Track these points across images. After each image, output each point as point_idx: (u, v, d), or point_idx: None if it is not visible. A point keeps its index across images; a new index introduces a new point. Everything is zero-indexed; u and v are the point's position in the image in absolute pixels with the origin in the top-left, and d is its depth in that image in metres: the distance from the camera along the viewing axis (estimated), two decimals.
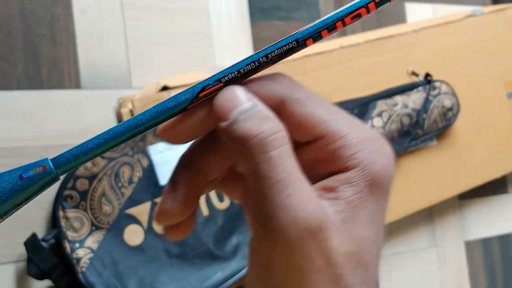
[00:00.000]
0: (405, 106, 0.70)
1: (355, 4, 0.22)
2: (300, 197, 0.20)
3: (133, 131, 0.21)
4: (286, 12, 0.76)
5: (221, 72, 0.22)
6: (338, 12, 0.22)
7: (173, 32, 0.68)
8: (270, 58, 0.22)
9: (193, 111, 0.22)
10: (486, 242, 0.85)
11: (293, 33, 0.22)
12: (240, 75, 0.22)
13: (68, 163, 0.21)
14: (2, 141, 0.58)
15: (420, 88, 0.71)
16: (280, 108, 0.22)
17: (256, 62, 0.22)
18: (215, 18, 0.71)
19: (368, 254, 0.22)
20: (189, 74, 0.65)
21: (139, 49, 0.66)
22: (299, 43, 0.22)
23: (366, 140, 0.22)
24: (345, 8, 0.22)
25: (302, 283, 0.20)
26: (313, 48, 0.71)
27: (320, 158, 0.23)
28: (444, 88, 0.72)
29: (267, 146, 0.20)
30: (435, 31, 0.74)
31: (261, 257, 0.21)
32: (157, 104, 0.22)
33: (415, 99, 0.70)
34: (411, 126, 0.69)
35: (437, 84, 0.72)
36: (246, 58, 0.22)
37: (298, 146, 0.23)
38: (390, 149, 0.23)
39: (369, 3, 0.22)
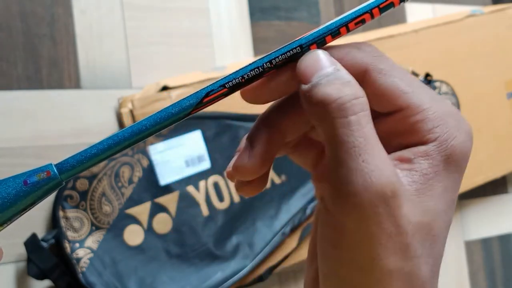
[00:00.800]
0: None
1: (359, 9, 0.22)
2: (376, 163, 0.20)
3: (137, 137, 0.22)
4: (286, 12, 0.76)
5: (225, 77, 0.22)
6: (342, 18, 0.22)
7: (173, 32, 0.68)
8: (274, 64, 0.22)
9: (277, 74, 0.23)
10: (486, 242, 0.85)
11: (297, 39, 0.22)
12: (244, 80, 0.22)
13: (72, 169, 0.21)
14: (2, 141, 0.58)
15: None
16: (363, 77, 0.23)
17: (260, 68, 0.22)
18: (215, 18, 0.71)
19: (437, 228, 0.22)
20: (189, 74, 0.65)
21: (139, 49, 0.66)
22: (303, 49, 0.22)
23: (446, 115, 0.23)
24: (349, 14, 0.22)
25: (372, 248, 0.21)
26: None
27: (398, 130, 0.23)
28: (444, 88, 0.72)
29: (346, 110, 0.20)
30: (435, 31, 0.74)
31: (333, 220, 0.21)
32: (161, 110, 0.22)
33: None
34: None
35: (437, 84, 0.72)
36: (250, 64, 0.22)
37: (377, 116, 0.23)
38: (469, 126, 0.23)
39: (373, 8, 0.22)
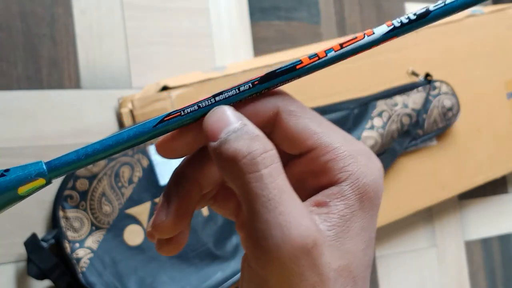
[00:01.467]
0: (405, 106, 0.70)
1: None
2: (293, 214, 0.20)
3: (115, 149, 0.22)
4: (286, 12, 0.76)
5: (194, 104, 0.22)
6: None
7: (173, 32, 0.68)
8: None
9: (186, 128, 0.23)
10: (486, 242, 0.85)
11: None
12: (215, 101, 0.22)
13: (61, 168, 0.22)
14: (2, 141, 0.58)
15: (420, 88, 0.71)
16: (274, 120, 0.23)
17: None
18: (215, 18, 0.71)
19: (358, 268, 0.22)
20: (189, 74, 0.65)
21: (139, 49, 0.66)
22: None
23: (356, 154, 0.23)
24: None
25: None
26: (313, 48, 0.71)
27: (312, 171, 0.23)
28: (444, 88, 0.72)
29: (257, 165, 0.20)
30: (435, 31, 0.74)
31: (255, 275, 0.21)
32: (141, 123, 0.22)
33: (415, 99, 0.70)
34: (411, 126, 0.69)
35: (437, 84, 0.72)
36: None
37: (291, 159, 0.23)
38: (379, 164, 0.23)
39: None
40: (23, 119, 0.60)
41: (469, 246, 0.84)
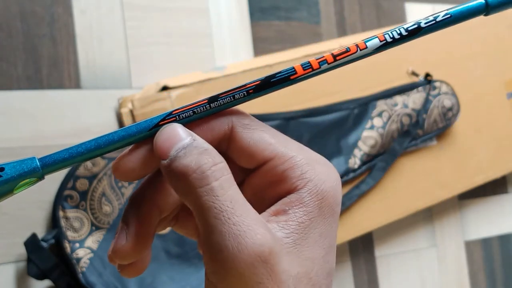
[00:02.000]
0: (405, 106, 0.70)
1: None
2: (247, 224, 0.20)
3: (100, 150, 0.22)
4: (286, 12, 0.76)
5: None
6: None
7: (173, 32, 0.68)
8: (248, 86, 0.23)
9: (136, 148, 0.23)
10: (486, 242, 0.85)
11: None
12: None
13: (55, 165, 0.22)
14: (2, 141, 0.58)
15: (420, 88, 0.71)
16: (229, 135, 0.23)
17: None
18: (215, 18, 0.71)
19: (318, 275, 0.22)
20: (189, 74, 0.65)
21: (139, 49, 0.66)
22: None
23: (313, 162, 0.23)
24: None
25: None
26: (313, 48, 0.71)
27: (270, 181, 0.23)
28: (444, 88, 0.72)
29: (208, 178, 0.20)
30: None
31: (211, 284, 0.21)
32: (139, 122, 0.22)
33: (415, 99, 0.70)
34: (411, 126, 0.69)
35: (437, 84, 0.72)
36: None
37: (249, 173, 0.24)
38: (337, 173, 0.24)
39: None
40: (23, 119, 0.60)
41: (469, 246, 0.84)
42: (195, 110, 0.22)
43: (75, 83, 0.63)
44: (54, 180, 0.57)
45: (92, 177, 0.57)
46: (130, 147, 0.23)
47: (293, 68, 0.23)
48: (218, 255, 0.20)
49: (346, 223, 0.68)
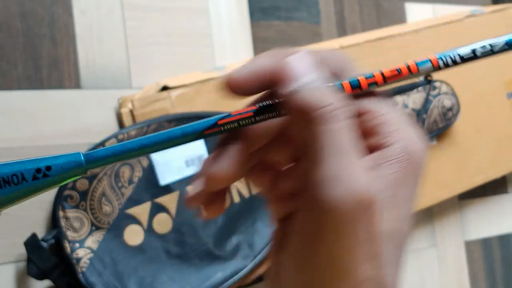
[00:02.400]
0: (405, 106, 0.70)
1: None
2: (356, 170, 0.20)
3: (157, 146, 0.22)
4: (286, 12, 0.76)
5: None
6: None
7: (173, 32, 0.68)
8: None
9: (252, 65, 0.23)
10: (486, 242, 0.85)
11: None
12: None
13: (98, 161, 0.22)
14: (2, 141, 0.58)
15: (420, 88, 0.71)
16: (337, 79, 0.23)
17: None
18: (215, 18, 0.71)
19: (404, 233, 0.22)
20: (189, 74, 0.65)
21: (139, 49, 0.66)
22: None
23: (404, 122, 0.23)
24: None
25: (347, 257, 0.20)
26: (313, 48, 0.71)
27: (361, 134, 0.23)
28: (444, 88, 0.72)
29: (331, 118, 0.20)
30: (435, 31, 0.74)
31: (305, 228, 0.21)
32: (190, 124, 0.23)
33: (415, 99, 0.70)
34: None
35: (437, 84, 0.72)
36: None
37: None
38: (426, 139, 0.24)
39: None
40: (23, 119, 0.60)
41: (469, 246, 0.84)
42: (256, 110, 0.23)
43: (75, 83, 0.63)
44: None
45: (92, 177, 0.57)
46: (246, 66, 0.23)
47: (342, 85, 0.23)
48: (322, 193, 0.20)
49: None
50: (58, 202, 0.56)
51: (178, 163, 0.60)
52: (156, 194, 0.59)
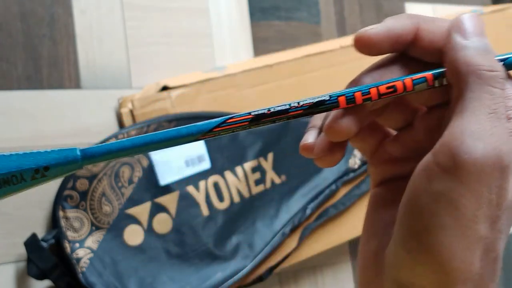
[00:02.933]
0: None
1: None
2: (501, 131, 0.21)
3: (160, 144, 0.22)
4: (286, 12, 0.76)
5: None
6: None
7: (173, 32, 0.68)
8: (301, 105, 0.24)
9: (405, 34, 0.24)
10: None
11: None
12: (270, 112, 0.24)
13: (94, 158, 0.22)
14: (2, 141, 0.58)
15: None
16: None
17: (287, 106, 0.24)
18: (215, 18, 0.71)
19: None
20: (189, 74, 0.65)
21: (139, 49, 0.66)
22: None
23: None
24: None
25: (465, 212, 0.21)
26: (313, 48, 0.71)
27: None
28: None
29: (497, 82, 0.22)
30: None
31: (438, 179, 0.22)
32: (191, 125, 0.23)
33: None
34: None
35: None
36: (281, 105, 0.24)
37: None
38: None
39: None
40: (23, 119, 0.60)
41: None
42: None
43: (75, 83, 0.63)
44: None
45: (92, 177, 0.57)
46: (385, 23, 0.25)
47: (338, 101, 0.24)
48: (463, 145, 0.21)
49: (346, 223, 0.68)
50: (58, 202, 0.56)
51: (178, 163, 0.60)
52: (156, 194, 0.59)
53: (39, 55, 0.61)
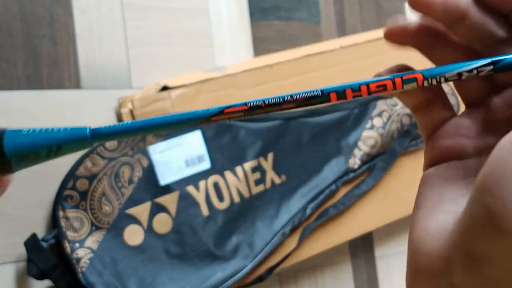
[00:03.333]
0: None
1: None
2: None
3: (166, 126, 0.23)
4: (286, 12, 0.76)
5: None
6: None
7: (173, 32, 0.68)
8: (294, 99, 0.25)
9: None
10: None
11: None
12: (264, 105, 0.24)
13: (104, 136, 0.23)
14: None
15: None
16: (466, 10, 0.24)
17: (280, 99, 0.25)
18: (215, 18, 0.71)
19: None
20: (189, 74, 0.65)
21: (139, 49, 0.66)
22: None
23: None
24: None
25: None
26: (313, 48, 0.71)
27: None
28: (444, 88, 0.72)
29: None
30: None
31: (470, 244, 0.19)
32: (192, 111, 0.24)
33: None
34: (411, 126, 0.69)
35: None
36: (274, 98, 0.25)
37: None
38: None
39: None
40: (23, 119, 0.60)
41: None
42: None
43: (75, 83, 0.63)
44: (54, 180, 0.57)
45: (92, 177, 0.57)
46: None
47: (329, 96, 0.26)
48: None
49: (346, 223, 0.68)
50: (58, 202, 0.56)
51: (178, 163, 0.60)
52: (156, 194, 0.59)
53: (39, 55, 0.61)
